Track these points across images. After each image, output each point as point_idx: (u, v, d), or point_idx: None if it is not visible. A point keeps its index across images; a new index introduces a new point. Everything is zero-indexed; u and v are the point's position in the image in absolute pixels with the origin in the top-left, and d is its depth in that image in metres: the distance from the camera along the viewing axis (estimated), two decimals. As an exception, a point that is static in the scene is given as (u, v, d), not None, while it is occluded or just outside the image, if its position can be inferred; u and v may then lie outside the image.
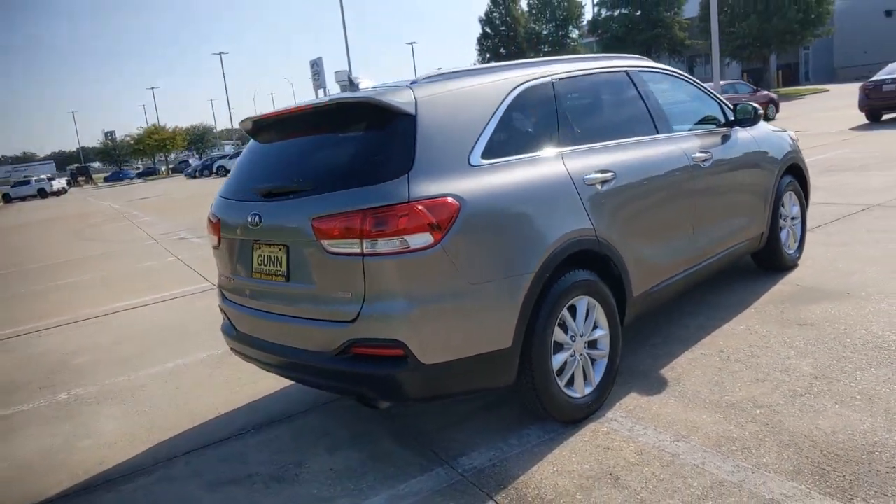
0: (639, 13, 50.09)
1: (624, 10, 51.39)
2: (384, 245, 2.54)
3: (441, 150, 2.73)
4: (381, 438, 3.28)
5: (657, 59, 49.08)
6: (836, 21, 44.68)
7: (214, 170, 48.33)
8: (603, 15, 53.74)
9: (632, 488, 2.57)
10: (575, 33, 62.80)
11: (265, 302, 3.08)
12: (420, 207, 2.55)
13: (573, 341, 3.09)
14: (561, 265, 2.94)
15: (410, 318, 2.57)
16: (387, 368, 2.62)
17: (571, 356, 3.09)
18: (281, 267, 2.94)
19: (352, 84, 3.40)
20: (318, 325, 2.80)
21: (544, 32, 64.26)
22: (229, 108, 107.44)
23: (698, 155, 3.97)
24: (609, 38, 51.67)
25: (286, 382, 4.16)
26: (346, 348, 2.70)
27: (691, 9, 47.11)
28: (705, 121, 4.37)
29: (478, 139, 2.86)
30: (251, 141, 3.46)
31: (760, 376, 3.37)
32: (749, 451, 2.71)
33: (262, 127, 3.31)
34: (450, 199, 2.62)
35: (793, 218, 5.10)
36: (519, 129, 3.13)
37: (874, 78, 16.45)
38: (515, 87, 3.14)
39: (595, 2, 53.94)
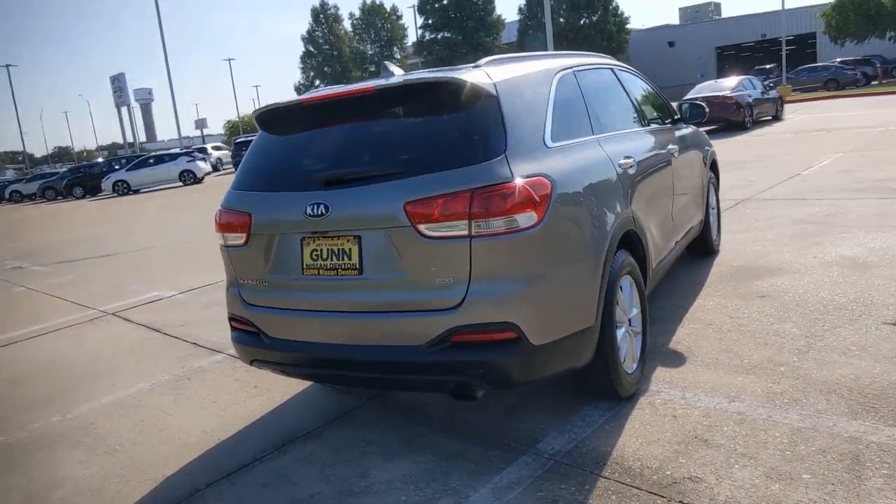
0: (461, 38, 52.64)
1: (447, 34, 53.74)
2: (494, 225, 2.47)
3: (524, 131, 2.72)
4: (436, 439, 3.13)
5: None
6: (631, 50, 50.42)
7: (7, 195, 42.61)
8: (427, 38, 55.72)
9: (725, 446, 2.72)
10: (399, 54, 64.33)
11: (325, 300, 2.81)
12: (526, 186, 2.51)
13: (625, 319, 3.20)
14: (616, 245, 3.04)
15: (522, 299, 2.52)
16: (496, 353, 2.53)
17: (624, 334, 3.19)
18: (350, 260, 2.72)
19: (385, 70, 3.25)
20: (406, 317, 2.62)
21: (370, 52, 65.06)
22: (20, 128, 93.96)
23: (671, 147, 4.32)
24: (434, 59, 53.66)
25: (277, 399, 3.82)
26: (445, 337, 2.56)
27: (510, 34, 50.52)
28: (660, 116, 4.76)
29: (545, 122, 2.89)
30: (261, 130, 3.17)
31: (760, 341, 3.72)
32: (801, 402, 2.99)
33: (302, 112, 3.03)
34: (545, 178, 2.61)
35: (713, 207, 5.69)
36: (567, 114, 3.20)
37: (687, 97, 18.84)
38: (556, 74, 3.21)
39: (419, 24, 55.83)
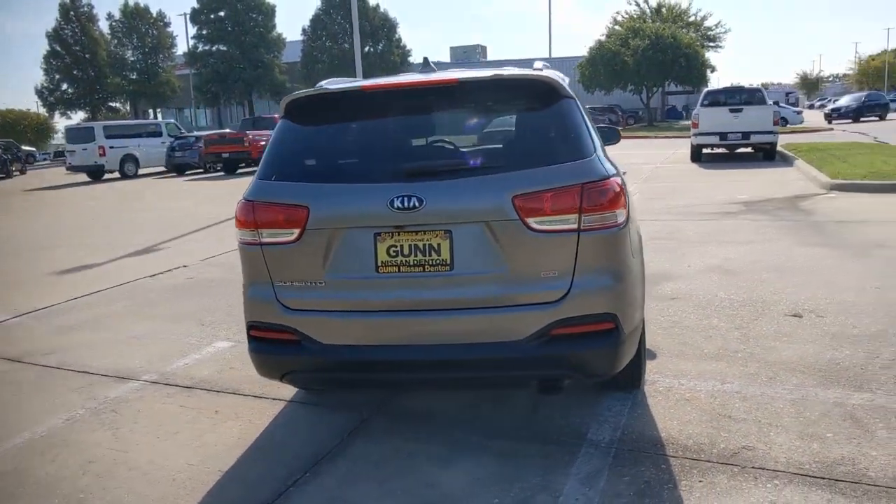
0: (239, 52, 50.50)
1: (222, 47, 51.15)
2: (599, 220, 2.57)
3: (594, 134, 2.87)
4: (482, 441, 3.08)
5: (259, 100, 49.67)
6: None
7: None
8: (200, 49, 52.48)
9: (749, 419, 3.10)
10: (164, 63, 59.58)
11: (406, 299, 2.64)
12: (618, 184, 2.66)
13: None
14: None
15: (618, 291, 2.65)
16: (596, 344, 2.62)
17: (638, 329, 3.47)
18: (440, 255, 2.60)
19: (426, 65, 3.17)
20: (505, 312, 2.59)
21: (131, 58, 59.30)
22: None
23: None
24: (210, 72, 50.71)
25: (256, 422, 3.43)
26: (546, 331, 2.58)
27: (293, 54, 49.71)
28: None
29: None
30: (304, 116, 2.89)
31: (704, 334, 4.27)
32: (778, 380, 3.52)
33: (368, 99, 2.82)
34: (619, 179, 2.78)
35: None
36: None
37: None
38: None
39: (192, 34, 52.39)
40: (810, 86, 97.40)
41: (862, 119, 34.79)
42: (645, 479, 2.69)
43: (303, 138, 2.91)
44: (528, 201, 2.54)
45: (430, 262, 2.61)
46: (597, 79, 39.30)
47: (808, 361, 3.72)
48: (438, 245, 2.61)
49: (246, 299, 2.90)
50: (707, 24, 47.16)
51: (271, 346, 2.83)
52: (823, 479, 2.60)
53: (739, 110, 15.80)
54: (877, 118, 35.16)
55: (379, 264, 2.65)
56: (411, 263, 2.63)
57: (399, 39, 47.70)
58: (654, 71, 38.18)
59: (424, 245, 2.61)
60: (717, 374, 3.63)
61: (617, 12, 58.81)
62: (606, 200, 2.58)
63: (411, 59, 48.78)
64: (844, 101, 38.69)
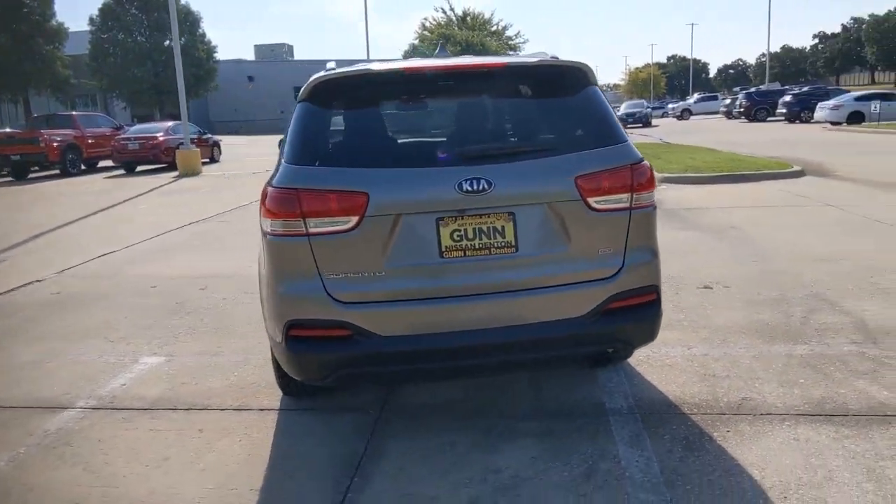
0: (12, 42, 43.94)
1: (-11, 35, 44.17)
2: (644, 198, 2.76)
3: None
4: (510, 424, 3.13)
5: (39, 95, 43.90)
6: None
7: None
8: (-41, 35, 44.81)
9: (732, 376, 3.50)
10: None
11: (471, 284, 2.61)
12: (650, 167, 2.87)
13: None
14: None
15: (656, 263, 2.87)
16: (644, 315, 2.81)
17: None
18: (504, 237, 2.61)
19: (442, 49, 3.13)
20: (566, 290, 2.67)
21: None
22: None
23: None
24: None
25: (255, 436, 3.17)
26: (603, 306, 2.71)
27: (78, 46, 44.37)
28: None
29: None
30: (337, 99, 2.72)
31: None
32: (731, 342, 3.99)
33: (411, 82, 2.71)
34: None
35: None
36: None
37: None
38: None
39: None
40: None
41: (628, 126, 38.94)
42: (682, 435, 2.94)
43: (344, 121, 2.74)
44: (589, 182, 2.65)
45: (496, 245, 2.62)
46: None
47: (742, 324, 4.26)
48: (502, 227, 2.62)
49: (278, 297, 2.66)
50: (508, 33, 50.57)
51: (318, 344, 2.63)
52: (820, 415, 3.04)
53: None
54: (640, 125, 38.40)
55: (443, 249, 2.60)
56: (476, 247, 2.61)
57: (203, 34, 44.69)
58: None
59: (489, 228, 2.61)
60: (680, 342, 4.02)
61: (426, 18, 60.81)
62: (647, 180, 2.78)
63: (217, 56, 46.07)
64: (624, 108, 42.80)
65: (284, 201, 2.57)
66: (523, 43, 52.21)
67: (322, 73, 2.77)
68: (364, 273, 2.59)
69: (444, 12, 50.32)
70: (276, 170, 2.73)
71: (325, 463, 2.89)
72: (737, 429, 2.96)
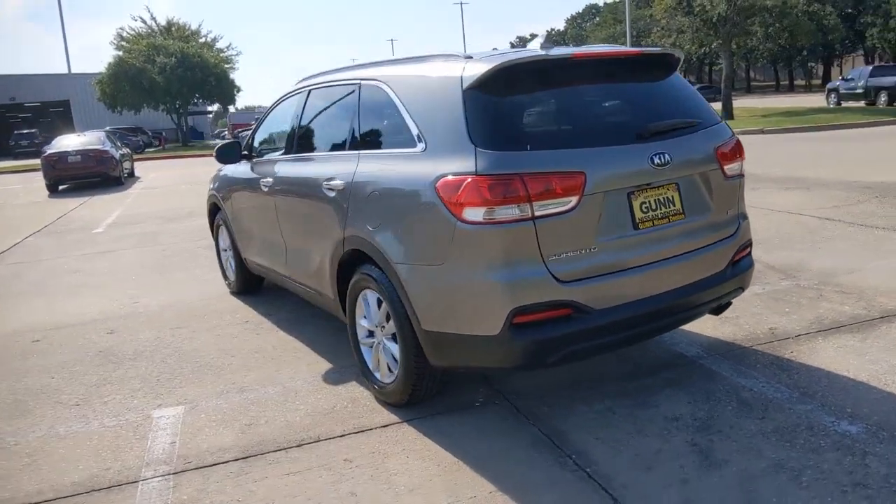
0: None
1: None
2: (742, 166, 3.31)
3: None
4: (642, 389, 3.42)
5: None
6: None
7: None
8: None
9: (744, 315, 4.26)
10: None
11: (656, 251, 2.88)
12: None
13: None
14: None
15: (748, 221, 3.43)
16: (749, 264, 3.37)
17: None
18: (675, 206, 2.95)
19: (548, 39, 3.31)
20: (715, 248, 3.10)
21: None
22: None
23: None
24: None
25: (432, 451, 3.00)
26: (733, 259, 3.20)
27: None
28: None
29: None
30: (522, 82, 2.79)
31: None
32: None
33: (584, 67, 2.95)
34: None
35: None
36: None
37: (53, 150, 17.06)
38: None
39: None
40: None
41: None
42: (766, 360, 3.57)
43: (532, 104, 2.80)
44: (723, 152, 3.13)
45: (672, 213, 2.93)
46: (121, 96, 36.24)
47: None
48: (672, 197, 2.94)
49: (500, 287, 2.60)
50: (219, 45, 48.18)
51: (541, 327, 2.63)
52: (840, 326, 3.93)
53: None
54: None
55: (637, 221, 2.83)
56: (659, 216, 2.89)
57: None
58: (186, 89, 37.41)
59: (664, 198, 2.91)
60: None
61: (121, 28, 55.00)
62: (742, 151, 3.34)
63: None
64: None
65: (509, 187, 2.54)
66: (235, 55, 50.33)
67: (515, 57, 2.78)
68: (580, 250, 2.71)
69: (144, 21, 46.13)
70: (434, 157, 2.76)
71: (527, 450, 2.87)
72: (795, 349, 3.69)
